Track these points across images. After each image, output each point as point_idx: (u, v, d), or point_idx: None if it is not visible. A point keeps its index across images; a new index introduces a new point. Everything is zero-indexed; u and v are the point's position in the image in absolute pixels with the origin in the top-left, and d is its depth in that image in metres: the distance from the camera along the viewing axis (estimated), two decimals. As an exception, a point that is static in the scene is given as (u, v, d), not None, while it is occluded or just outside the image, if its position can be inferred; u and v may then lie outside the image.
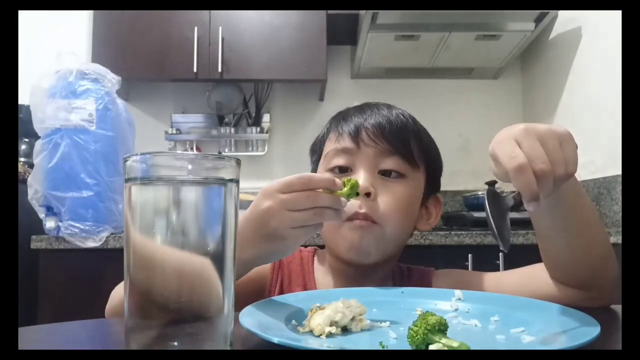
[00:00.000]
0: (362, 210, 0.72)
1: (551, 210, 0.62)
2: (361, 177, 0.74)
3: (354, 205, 0.72)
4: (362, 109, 0.81)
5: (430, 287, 0.79)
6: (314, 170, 0.85)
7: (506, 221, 0.55)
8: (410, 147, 0.78)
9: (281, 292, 0.78)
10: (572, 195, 0.62)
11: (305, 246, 0.88)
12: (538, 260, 0.72)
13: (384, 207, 0.74)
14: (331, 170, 0.77)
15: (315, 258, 0.85)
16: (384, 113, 0.79)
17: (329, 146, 0.81)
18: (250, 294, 0.61)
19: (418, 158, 0.78)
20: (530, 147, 0.52)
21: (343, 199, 0.59)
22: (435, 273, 0.83)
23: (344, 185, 0.59)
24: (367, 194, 0.73)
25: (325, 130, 0.84)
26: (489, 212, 0.53)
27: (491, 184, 2.32)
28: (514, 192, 0.54)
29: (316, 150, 0.86)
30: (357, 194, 0.61)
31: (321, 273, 0.82)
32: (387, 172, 0.76)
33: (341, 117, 0.82)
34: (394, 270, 0.83)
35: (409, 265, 0.86)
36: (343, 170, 0.77)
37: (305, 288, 0.78)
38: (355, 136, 0.77)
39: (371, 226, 0.73)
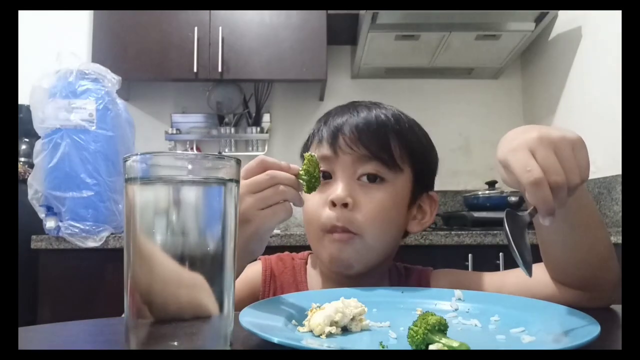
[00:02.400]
0: (340, 224, 0.71)
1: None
2: (339, 187, 0.73)
3: (331, 217, 0.72)
4: (343, 110, 0.78)
5: (429, 287, 0.79)
6: None
7: (525, 241, 0.53)
8: (390, 149, 0.75)
9: None
10: (576, 197, 0.61)
11: (299, 251, 0.87)
12: (538, 260, 0.72)
13: (363, 217, 0.72)
14: None
15: (309, 264, 0.83)
16: (362, 115, 0.76)
17: (312, 152, 0.79)
18: (241, 306, 0.61)
19: (400, 159, 0.75)
20: (545, 157, 0.50)
21: (301, 182, 0.62)
22: (433, 273, 0.83)
23: (305, 161, 0.62)
24: (345, 205, 0.72)
25: (311, 133, 0.82)
26: (510, 237, 0.51)
27: (491, 183, 2.31)
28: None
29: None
30: (314, 186, 0.62)
31: (315, 279, 0.81)
32: (366, 177, 0.74)
33: (323, 121, 0.79)
34: (391, 270, 0.82)
35: (407, 264, 0.85)
36: (326, 177, 0.75)
37: None
38: (333, 143, 0.75)
39: (351, 238, 0.72)
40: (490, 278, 0.77)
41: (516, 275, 0.76)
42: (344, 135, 0.74)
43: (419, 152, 0.79)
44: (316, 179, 0.62)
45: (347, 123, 0.75)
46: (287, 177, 0.62)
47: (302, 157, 0.83)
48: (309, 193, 0.63)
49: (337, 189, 0.72)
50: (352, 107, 0.79)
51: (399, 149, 0.76)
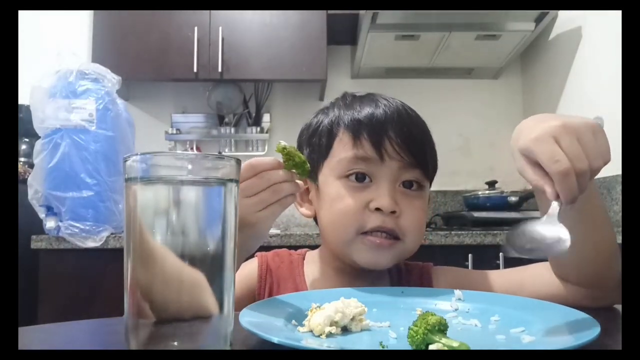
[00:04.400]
0: (388, 226, 0.71)
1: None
2: (385, 194, 0.71)
3: (374, 220, 0.71)
4: (376, 108, 0.74)
5: (431, 282, 0.79)
6: (313, 166, 0.77)
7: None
8: (428, 159, 0.75)
9: None
10: (586, 192, 0.62)
11: (297, 248, 0.87)
12: (538, 260, 0.72)
13: (407, 224, 0.72)
14: (347, 177, 0.73)
15: (306, 260, 0.83)
16: (404, 118, 0.74)
17: (342, 149, 0.74)
18: (240, 303, 0.61)
19: (430, 166, 0.76)
20: (570, 145, 0.51)
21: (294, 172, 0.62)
22: (435, 269, 0.82)
23: (283, 156, 0.62)
24: (392, 212, 0.71)
25: (328, 126, 0.77)
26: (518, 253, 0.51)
27: (491, 183, 2.30)
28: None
29: (317, 147, 0.78)
30: (305, 170, 0.63)
31: (313, 275, 0.80)
32: (407, 183, 0.74)
33: (353, 115, 0.74)
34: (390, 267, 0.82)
35: (407, 261, 0.84)
36: (359, 178, 0.73)
37: (296, 291, 0.77)
38: (379, 146, 0.72)
39: (392, 244, 0.72)
40: (493, 276, 0.77)
41: (519, 273, 0.76)
42: (392, 140, 0.72)
43: (435, 156, 0.79)
44: (303, 162, 0.62)
45: (391, 126, 0.72)
46: (280, 176, 0.62)
47: (305, 147, 0.81)
48: (305, 177, 0.63)
49: (384, 196, 0.71)
50: (386, 107, 0.75)
51: (430, 156, 0.76)
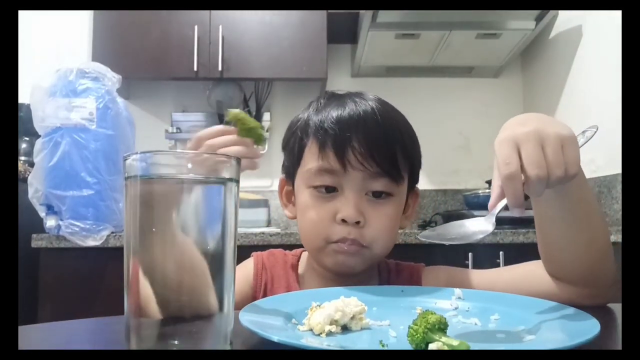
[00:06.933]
0: (351, 237, 0.72)
1: (556, 203, 0.63)
2: (350, 205, 0.71)
3: (341, 232, 0.72)
4: (343, 112, 0.74)
5: (420, 283, 0.79)
6: (290, 171, 0.80)
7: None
8: (398, 164, 0.74)
9: (265, 297, 0.77)
10: (577, 190, 0.62)
11: (297, 248, 0.87)
12: (534, 257, 0.72)
13: (373, 232, 0.72)
14: (316, 188, 0.74)
15: (301, 260, 0.84)
16: (370, 124, 0.72)
17: (311, 158, 0.75)
18: (238, 305, 0.61)
19: (403, 170, 0.75)
20: (529, 151, 0.53)
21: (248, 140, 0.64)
22: (425, 269, 0.82)
23: (238, 123, 0.63)
24: (356, 222, 0.71)
25: (300, 133, 0.77)
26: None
27: (491, 182, 2.28)
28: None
29: (291, 152, 0.79)
30: (258, 135, 0.63)
31: (306, 275, 0.81)
32: (375, 193, 0.74)
33: (320, 122, 0.75)
34: (380, 266, 0.82)
35: (398, 261, 0.85)
36: (329, 190, 0.73)
37: (288, 291, 0.78)
38: (342, 157, 0.71)
39: (359, 250, 0.73)
40: (484, 275, 0.77)
41: (512, 272, 0.76)
42: (355, 150, 0.71)
43: (414, 157, 0.78)
44: (255, 127, 0.62)
45: (355, 134, 0.72)
46: (225, 140, 0.63)
47: (284, 153, 0.81)
48: (261, 145, 0.64)
49: (348, 207, 0.71)
50: (353, 111, 0.74)
51: (403, 160, 0.75)
